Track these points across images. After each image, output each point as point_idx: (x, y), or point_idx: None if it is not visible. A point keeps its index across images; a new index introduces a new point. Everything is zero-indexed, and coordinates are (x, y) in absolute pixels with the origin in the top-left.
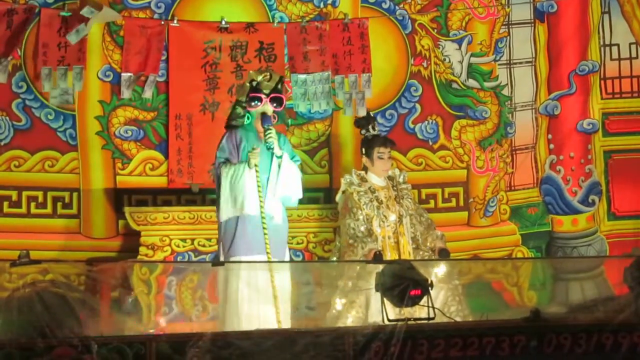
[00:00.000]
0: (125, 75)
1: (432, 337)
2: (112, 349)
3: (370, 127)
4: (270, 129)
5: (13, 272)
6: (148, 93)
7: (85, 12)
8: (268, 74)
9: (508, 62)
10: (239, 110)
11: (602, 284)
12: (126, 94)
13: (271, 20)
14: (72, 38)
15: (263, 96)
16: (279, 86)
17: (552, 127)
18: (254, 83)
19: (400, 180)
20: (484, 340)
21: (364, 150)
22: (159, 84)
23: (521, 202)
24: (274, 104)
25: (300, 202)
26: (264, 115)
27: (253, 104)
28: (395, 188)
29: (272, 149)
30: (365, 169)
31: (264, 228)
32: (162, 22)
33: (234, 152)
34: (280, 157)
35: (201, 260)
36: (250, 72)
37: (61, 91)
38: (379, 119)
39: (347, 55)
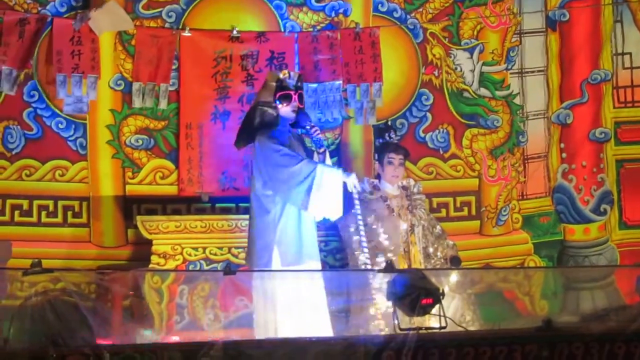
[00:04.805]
0: (135, 85)
1: (443, 347)
2: (123, 357)
3: (386, 135)
4: (315, 126)
5: (25, 280)
6: (163, 103)
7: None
8: (287, 71)
9: (520, 71)
10: (271, 111)
11: (613, 293)
12: (137, 103)
13: (282, 30)
14: (77, 25)
15: (292, 93)
16: (299, 83)
17: (564, 136)
18: (279, 82)
19: (415, 190)
20: (496, 350)
21: (376, 156)
22: (170, 93)
23: (533, 211)
24: (299, 101)
25: None
26: (302, 114)
27: (284, 103)
28: (408, 198)
29: (320, 147)
30: (379, 177)
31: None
32: (174, 32)
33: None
34: (323, 153)
35: (213, 269)
36: (271, 72)
37: (75, 99)
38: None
39: (359, 64)
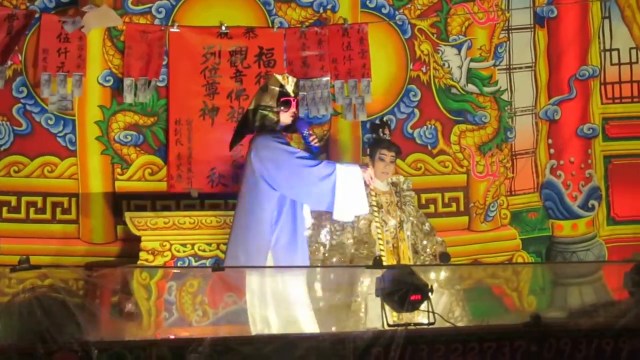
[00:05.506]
0: (127, 80)
1: (432, 343)
2: (112, 354)
3: (380, 131)
4: (313, 134)
5: (13, 277)
6: (148, 97)
7: (86, 8)
8: (286, 76)
9: (508, 67)
10: (272, 115)
11: (601, 289)
12: (128, 98)
13: (271, 26)
14: (69, 28)
15: (292, 99)
16: (296, 89)
17: (553, 132)
18: (282, 87)
19: (404, 187)
20: (484, 346)
21: (368, 151)
22: (159, 89)
23: (521, 207)
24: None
25: None
26: (301, 120)
27: (284, 108)
28: (398, 194)
29: (316, 153)
30: None
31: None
32: (162, 28)
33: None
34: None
35: (201, 265)
36: (273, 75)
37: (60, 97)
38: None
39: (347, 61)
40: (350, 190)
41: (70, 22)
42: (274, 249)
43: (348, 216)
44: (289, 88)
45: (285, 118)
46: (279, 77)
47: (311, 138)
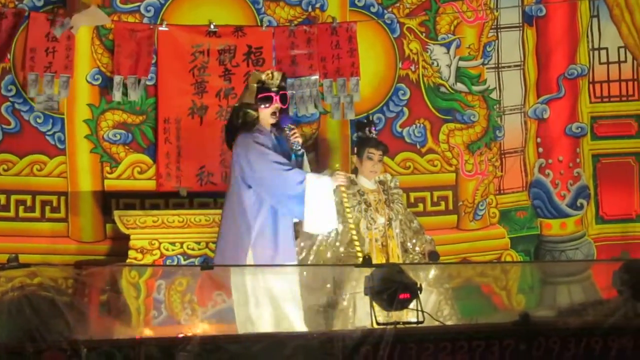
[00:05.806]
0: (116, 78)
1: (421, 341)
2: (101, 353)
3: (366, 130)
4: (294, 129)
5: (1, 275)
6: (137, 95)
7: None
8: (270, 72)
9: (496, 65)
10: (253, 113)
11: (589, 287)
12: (117, 96)
13: (259, 24)
14: (57, 31)
15: (273, 95)
16: (283, 83)
17: (541, 131)
18: (261, 83)
19: (392, 185)
20: (473, 344)
21: (356, 149)
22: (148, 88)
23: (510, 206)
24: (281, 102)
25: None
26: (284, 115)
27: (265, 104)
28: (385, 192)
29: (298, 150)
30: (356, 171)
31: None
32: (151, 26)
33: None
34: (302, 156)
35: (190, 264)
36: (255, 72)
37: (47, 97)
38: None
39: (336, 59)
40: (319, 203)
41: (59, 25)
42: (254, 247)
43: (318, 229)
44: (274, 83)
45: (266, 115)
46: (261, 74)
47: (292, 132)
